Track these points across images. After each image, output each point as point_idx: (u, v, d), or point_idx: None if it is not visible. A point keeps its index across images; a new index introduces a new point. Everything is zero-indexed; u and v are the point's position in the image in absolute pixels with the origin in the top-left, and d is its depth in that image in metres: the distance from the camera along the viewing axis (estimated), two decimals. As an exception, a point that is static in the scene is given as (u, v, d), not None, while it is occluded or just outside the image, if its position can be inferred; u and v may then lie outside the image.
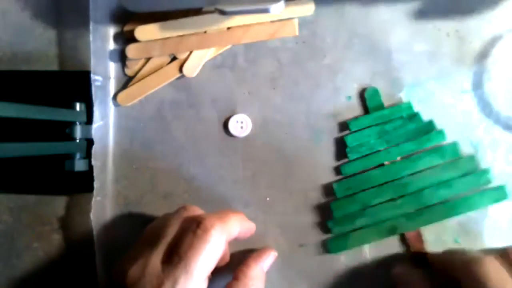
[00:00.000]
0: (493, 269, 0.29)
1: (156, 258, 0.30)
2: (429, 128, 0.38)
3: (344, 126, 0.39)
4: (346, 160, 0.39)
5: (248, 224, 0.37)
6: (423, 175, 0.38)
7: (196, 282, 0.29)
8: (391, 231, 0.38)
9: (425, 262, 0.37)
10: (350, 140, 0.38)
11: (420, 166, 0.38)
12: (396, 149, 0.38)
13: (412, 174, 0.38)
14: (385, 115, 0.38)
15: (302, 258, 0.39)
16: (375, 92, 0.38)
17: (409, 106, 0.38)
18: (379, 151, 0.38)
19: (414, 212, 0.38)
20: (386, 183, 0.38)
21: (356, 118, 0.39)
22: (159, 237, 0.32)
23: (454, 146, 0.38)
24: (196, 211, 0.34)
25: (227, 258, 0.37)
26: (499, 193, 0.37)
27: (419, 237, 0.38)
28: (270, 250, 0.38)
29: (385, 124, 0.38)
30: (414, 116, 0.38)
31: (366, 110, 0.39)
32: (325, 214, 0.39)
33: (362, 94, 0.39)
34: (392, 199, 0.38)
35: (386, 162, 0.38)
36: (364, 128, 0.38)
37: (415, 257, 0.38)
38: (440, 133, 0.38)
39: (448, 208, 0.37)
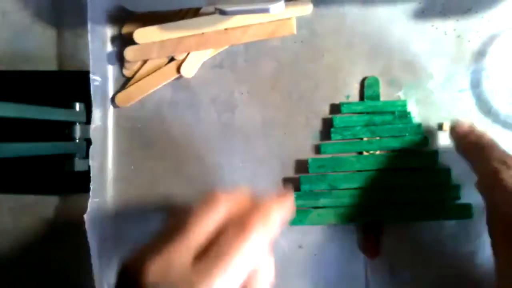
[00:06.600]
0: None
1: (186, 253, 0.26)
2: (416, 131, 0.38)
3: (336, 108, 0.39)
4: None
5: (287, 213, 0.31)
6: (396, 174, 0.38)
7: (232, 283, 0.26)
8: (350, 219, 0.38)
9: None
10: (338, 121, 0.39)
11: (396, 165, 0.38)
12: (378, 142, 0.38)
13: (386, 169, 0.38)
14: (378, 106, 0.38)
15: (302, 259, 0.39)
16: (375, 81, 0.39)
17: (403, 104, 0.38)
18: (361, 139, 0.38)
19: (377, 206, 0.38)
20: (359, 171, 0.38)
21: (349, 102, 0.39)
22: (189, 230, 0.27)
23: (434, 154, 0.38)
24: (228, 198, 0.29)
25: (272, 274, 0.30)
26: (464, 211, 0.37)
27: (376, 247, 0.38)
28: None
29: (375, 115, 0.38)
30: (405, 115, 0.38)
31: (362, 99, 0.39)
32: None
33: (362, 84, 0.39)
34: (360, 188, 0.38)
35: (365, 152, 0.38)
36: (354, 113, 0.39)
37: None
38: (425, 138, 0.38)
39: (411, 212, 0.38)
